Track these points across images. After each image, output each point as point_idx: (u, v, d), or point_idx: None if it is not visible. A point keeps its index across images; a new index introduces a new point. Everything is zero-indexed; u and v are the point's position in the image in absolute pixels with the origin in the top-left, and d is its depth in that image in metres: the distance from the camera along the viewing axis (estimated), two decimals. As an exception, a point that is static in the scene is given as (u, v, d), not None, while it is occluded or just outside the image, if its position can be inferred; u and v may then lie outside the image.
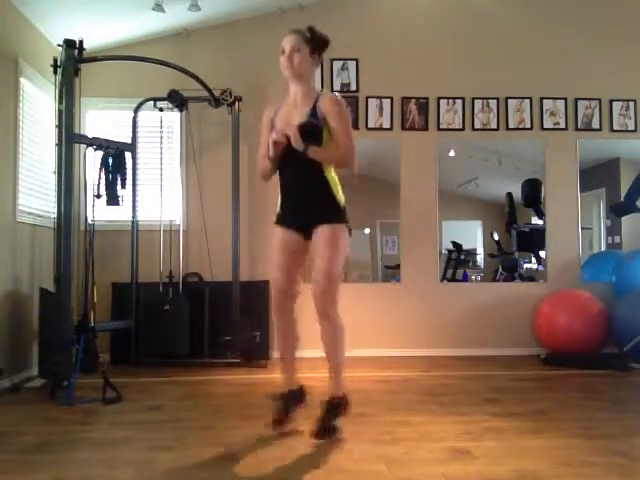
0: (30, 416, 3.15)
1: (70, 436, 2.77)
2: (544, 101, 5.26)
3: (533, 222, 5.58)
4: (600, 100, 5.29)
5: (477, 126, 5.24)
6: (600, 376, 4.14)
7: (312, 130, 2.63)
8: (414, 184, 5.21)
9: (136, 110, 4.75)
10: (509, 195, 5.62)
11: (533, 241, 5.53)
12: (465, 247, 5.53)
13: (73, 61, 3.74)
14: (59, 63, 3.85)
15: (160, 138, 4.88)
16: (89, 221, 4.05)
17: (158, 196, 4.86)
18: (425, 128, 5.21)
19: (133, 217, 4.71)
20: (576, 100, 5.28)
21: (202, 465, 2.38)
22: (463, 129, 5.23)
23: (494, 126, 5.24)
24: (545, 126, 5.27)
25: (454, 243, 5.47)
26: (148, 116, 4.87)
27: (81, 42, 3.79)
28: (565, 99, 5.27)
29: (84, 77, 3.87)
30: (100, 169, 3.93)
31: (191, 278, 4.87)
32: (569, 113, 5.28)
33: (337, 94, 2.73)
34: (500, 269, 5.57)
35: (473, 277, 5.54)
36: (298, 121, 2.65)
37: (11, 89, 4.02)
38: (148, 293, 4.67)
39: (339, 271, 2.65)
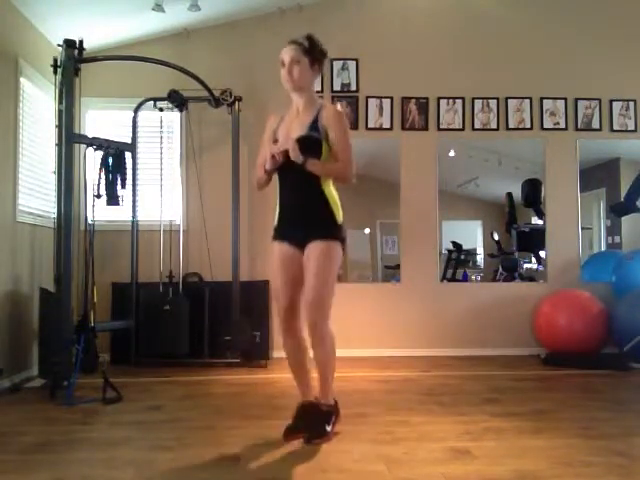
0: (30, 416, 3.15)
1: (70, 436, 2.77)
2: (544, 101, 5.26)
3: (533, 222, 5.58)
4: (600, 100, 5.29)
5: (477, 126, 5.24)
6: (600, 376, 4.14)
7: (311, 143, 2.61)
8: (414, 184, 5.20)
9: (136, 110, 4.75)
10: (509, 195, 5.62)
11: (533, 241, 5.53)
12: (465, 247, 5.53)
13: (73, 61, 3.74)
14: (59, 63, 3.85)
15: (160, 138, 4.88)
16: (89, 221, 4.05)
17: (158, 196, 4.86)
18: (425, 128, 5.21)
19: (133, 217, 4.71)
20: (576, 100, 5.28)
21: (202, 465, 2.38)
22: (463, 129, 5.23)
23: (494, 126, 5.24)
24: (545, 126, 5.27)
25: (454, 243, 5.47)
26: (148, 116, 4.87)
27: (81, 42, 3.79)
28: (565, 99, 5.27)
29: (84, 77, 3.87)
30: (100, 169, 3.93)
31: (191, 278, 4.87)
32: (569, 113, 5.28)
33: (338, 105, 2.72)
34: (500, 269, 5.57)
35: (473, 277, 5.54)
36: (299, 133, 2.63)
37: (11, 89, 4.02)
38: (148, 293, 4.67)
39: (330, 287, 2.62)
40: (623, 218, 5.38)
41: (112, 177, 3.98)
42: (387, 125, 5.18)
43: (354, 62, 5.18)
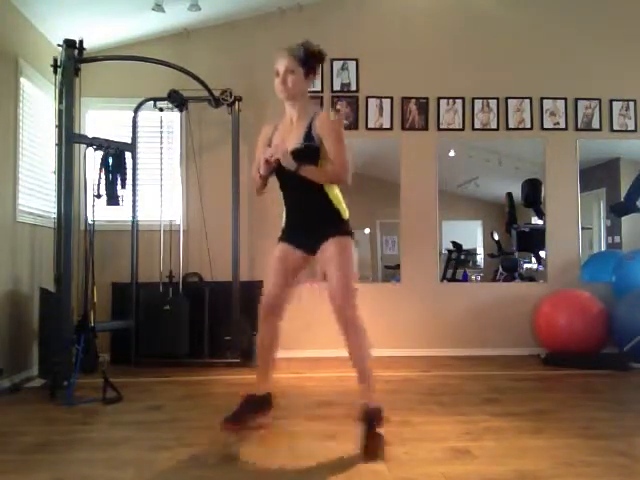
0: (30, 416, 3.15)
1: (70, 436, 2.77)
2: (544, 101, 5.26)
3: (533, 222, 5.58)
4: (600, 100, 5.29)
5: (477, 126, 5.24)
6: (600, 376, 4.14)
7: (308, 152, 2.61)
8: (414, 184, 5.20)
9: (136, 110, 4.75)
10: (509, 195, 5.62)
11: (533, 241, 5.53)
12: (465, 247, 5.53)
13: (73, 61, 3.73)
14: (59, 63, 3.84)
15: (160, 138, 4.88)
16: (89, 221, 4.04)
17: (158, 196, 4.86)
18: (425, 128, 5.21)
19: (133, 217, 4.71)
20: (576, 100, 5.29)
21: (202, 465, 2.38)
22: (463, 129, 5.23)
23: (494, 126, 5.24)
24: (545, 126, 5.27)
25: (454, 243, 5.47)
26: (148, 116, 4.87)
27: (81, 42, 3.79)
28: (565, 99, 5.27)
29: (84, 77, 3.87)
30: (100, 169, 3.92)
31: (191, 278, 4.87)
32: (569, 113, 5.28)
33: (332, 112, 2.70)
34: (500, 269, 5.57)
35: (473, 277, 5.54)
36: (294, 143, 2.63)
37: (11, 89, 4.02)
38: (148, 293, 4.67)
39: (352, 278, 2.63)
40: (623, 218, 5.38)
41: (112, 177, 3.97)
42: (387, 125, 5.18)
43: (354, 62, 5.18)
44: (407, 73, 5.22)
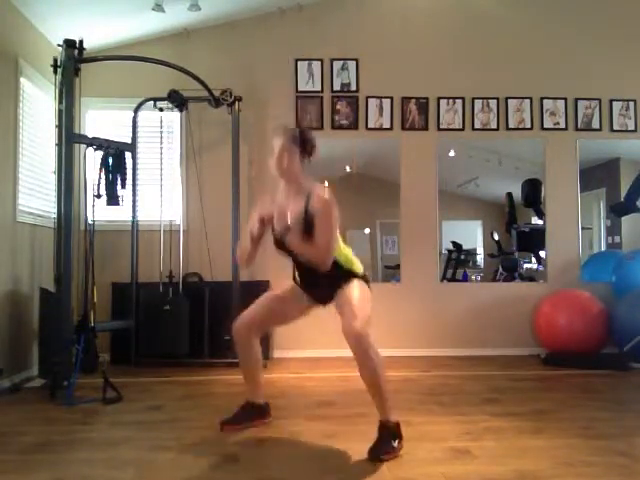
0: (30, 416, 3.15)
1: (70, 436, 2.77)
2: (544, 101, 5.26)
3: (533, 222, 5.58)
4: (600, 100, 5.29)
5: (477, 126, 5.24)
6: (600, 376, 4.14)
7: (305, 228, 2.60)
8: (414, 184, 5.20)
9: (136, 110, 4.75)
10: (509, 195, 5.62)
11: (533, 241, 5.53)
12: (465, 247, 5.53)
13: (73, 61, 3.74)
14: (59, 63, 3.85)
15: (160, 138, 4.88)
16: (89, 221, 4.04)
17: (158, 196, 4.86)
18: (425, 128, 5.21)
19: (133, 217, 4.71)
20: (576, 100, 5.29)
21: (202, 465, 2.38)
22: (463, 129, 5.23)
23: (494, 126, 5.24)
24: (545, 126, 5.27)
25: (454, 243, 5.47)
26: (148, 116, 4.87)
27: (81, 42, 3.79)
28: (565, 99, 5.27)
29: (84, 77, 3.87)
30: (100, 169, 3.92)
31: (191, 278, 4.87)
32: (569, 113, 5.28)
33: (327, 192, 2.61)
34: (500, 269, 5.57)
35: (473, 277, 5.54)
36: (293, 219, 2.62)
37: (11, 89, 4.02)
38: (148, 293, 4.67)
39: (367, 310, 2.61)
40: (623, 218, 5.38)
41: (112, 177, 3.97)
42: (387, 125, 5.18)
43: (354, 62, 5.18)
44: (407, 73, 5.22)
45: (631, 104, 5.30)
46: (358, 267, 2.73)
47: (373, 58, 5.20)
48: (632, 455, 2.47)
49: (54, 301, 3.72)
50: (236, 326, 2.84)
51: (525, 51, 5.29)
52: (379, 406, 2.54)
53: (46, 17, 4.30)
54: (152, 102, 4.75)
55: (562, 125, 5.27)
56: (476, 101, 5.24)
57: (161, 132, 4.88)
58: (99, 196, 3.93)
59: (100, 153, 3.95)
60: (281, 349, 4.93)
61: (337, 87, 5.17)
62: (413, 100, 5.21)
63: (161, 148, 4.88)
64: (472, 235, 5.70)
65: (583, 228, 5.31)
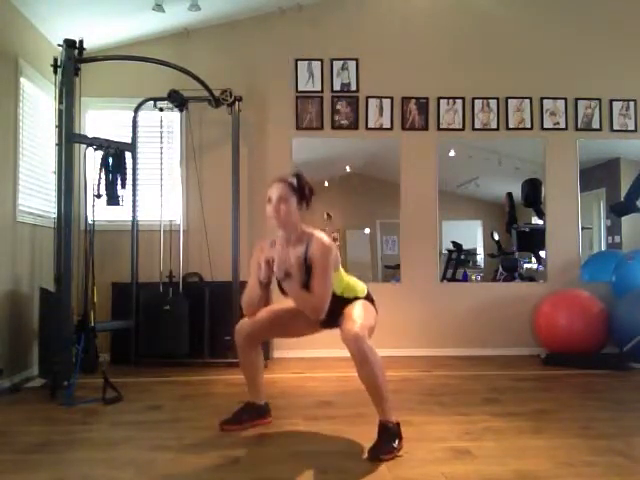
0: (30, 416, 3.15)
1: (70, 436, 2.77)
2: (544, 101, 5.26)
3: (533, 222, 5.58)
4: (600, 100, 5.29)
5: (477, 126, 5.24)
6: (600, 376, 4.14)
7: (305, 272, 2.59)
8: (414, 184, 5.20)
9: (136, 110, 4.75)
10: (509, 195, 5.62)
11: (533, 241, 5.53)
12: (465, 247, 5.53)
13: (73, 61, 3.73)
14: (59, 63, 3.85)
15: (160, 138, 4.88)
16: (89, 221, 4.05)
17: (158, 196, 4.86)
18: (425, 128, 5.21)
19: (133, 217, 4.71)
20: (576, 100, 5.28)
21: (202, 465, 2.38)
22: (463, 129, 5.23)
23: (494, 126, 5.24)
24: (545, 126, 5.27)
25: (454, 243, 5.47)
26: (148, 116, 4.87)
27: (81, 42, 3.79)
28: (565, 99, 5.27)
29: (84, 77, 3.87)
30: (100, 169, 3.92)
31: (191, 278, 4.87)
32: (569, 113, 5.28)
33: (326, 239, 2.59)
34: (500, 269, 5.57)
35: (473, 277, 5.54)
36: (293, 265, 2.60)
37: (11, 89, 4.02)
38: (148, 293, 4.67)
39: (369, 322, 2.59)
40: (623, 218, 5.37)
41: (112, 177, 3.97)
42: (387, 125, 5.18)
43: (354, 62, 5.18)
44: (407, 73, 5.22)
45: (631, 104, 5.30)
46: (361, 290, 2.74)
47: (373, 58, 5.20)
48: (632, 455, 2.47)
49: (54, 301, 3.72)
50: (238, 330, 2.84)
51: (525, 51, 5.29)
52: (378, 406, 2.54)
53: (46, 17, 4.30)
54: (152, 102, 4.75)
55: (562, 125, 5.27)
56: (476, 101, 5.24)
57: (161, 132, 4.88)
58: (99, 196, 3.93)
59: (100, 153, 3.95)
60: (281, 349, 4.93)
61: (337, 87, 5.17)
62: (413, 100, 5.20)
63: (161, 148, 4.88)
64: (472, 235, 5.70)
65: (583, 228, 5.31)
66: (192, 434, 2.79)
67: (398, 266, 5.21)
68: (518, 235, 5.61)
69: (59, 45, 3.78)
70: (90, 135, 4.43)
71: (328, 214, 5.13)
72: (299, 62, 5.15)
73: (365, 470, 2.30)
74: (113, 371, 3.89)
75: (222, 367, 4.44)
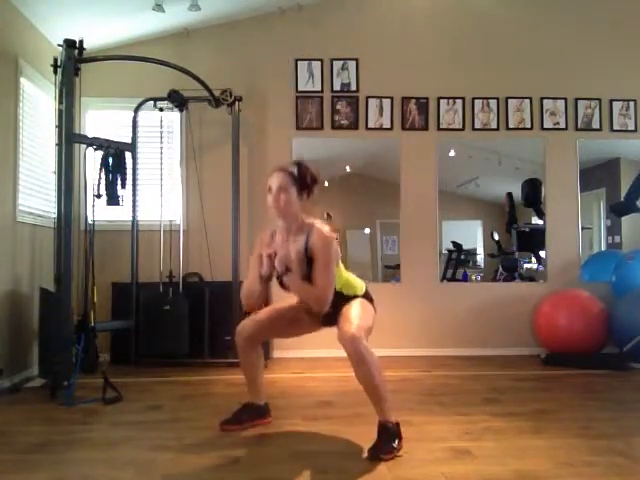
0: (30, 416, 3.15)
1: (70, 436, 2.77)
2: (544, 101, 5.26)
3: (533, 222, 5.58)
4: (600, 100, 5.29)
5: (477, 126, 5.24)
6: (600, 376, 4.14)
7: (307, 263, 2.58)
8: (414, 184, 5.20)
9: (136, 110, 4.75)
10: (509, 195, 5.62)
11: (533, 241, 5.53)
12: (465, 247, 5.53)
13: (73, 61, 3.73)
14: (59, 63, 3.85)
15: (160, 138, 4.88)
16: (89, 221, 4.05)
17: (158, 196, 4.86)
18: (425, 128, 5.21)
19: (133, 217, 4.71)
20: (576, 100, 5.28)
21: (202, 465, 2.38)
22: (463, 129, 5.23)
23: (494, 126, 5.24)
24: (545, 126, 5.27)
25: (454, 243, 5.47)
26: (148, 116, 4.87)
27: (81, 42, 3.79)
28: (565, 99, 5.27)
29: (84, 77, 3.87)
30: (100, 169, 3.92)
31: (191, 278, 4.87)
32: (569, 113, 5.28)
33: (326, 229, 2.57)
34: (500, 269, 5.57)
35: (473, 277, 5.54)
36: (294, 256, 2.59)
37: (11, 89, 4.02)
38: (148, 293, 4.67)
39: (367, 321, 2.58)
40: (623, 218, 5.38)
41: (112, 177, 3.97)
42: (387, 125, 5.18)
43: (354, 62, 5.18)
44: (407, 73, 5.22)
45: (631, 104, 5.30)
46: (360, 288, 2.74)
47: (373, 58, 5.20)
48: (632, 455, 2.47)
49: (54, 301, 3.72)
50: (239, 332, 2.84)
51: (525, 51, 5.29)
52: (377, 406, 2.54)
53: (46, 17, 4.30)
54: (152, 102, 4.75)
55: (562, 125, 5.27)
56: (476, 101, 5.24)
57: (161, 132, 4.88)
58: (99, 196, 3.93)
59: (100, 153, 3.95)
60: (281, 349, 4.93)
61: (337, 87, 5.17)
62: (413, 100, 5.20)
63: (161, 148, 4.88)
64: (472, 235, 5.70)
65: (583, 228, 5.31)
66: (192, 434, 2.79)
67: (398, 266, 5.21)
68: (518, 235, 5.61)
69: (59, 45, 3.78)
70: (90, 135, 4.43)
71: (328, 214, 5.13)
72: (299, 62, 5.15)
73: (365, 470, 2.30)
74: (113, 371, 3.89)
75: (222, 367, 4.44)
